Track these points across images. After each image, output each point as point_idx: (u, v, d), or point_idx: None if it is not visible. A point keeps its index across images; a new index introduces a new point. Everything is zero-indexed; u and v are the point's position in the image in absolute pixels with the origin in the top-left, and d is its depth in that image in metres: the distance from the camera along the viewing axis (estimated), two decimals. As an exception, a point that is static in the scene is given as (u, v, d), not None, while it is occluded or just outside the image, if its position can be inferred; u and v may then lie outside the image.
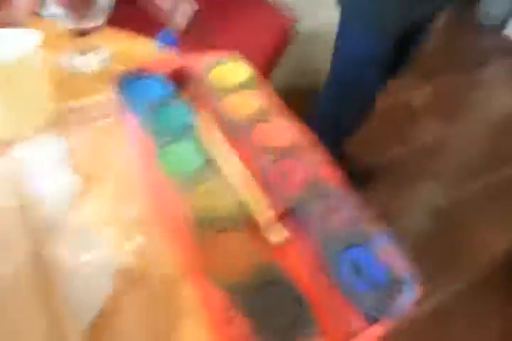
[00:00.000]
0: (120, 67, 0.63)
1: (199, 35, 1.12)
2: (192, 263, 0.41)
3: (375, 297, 0.41)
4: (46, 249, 0.42)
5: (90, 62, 0.65)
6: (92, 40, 0.65)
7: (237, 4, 1.43)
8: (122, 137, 0.51)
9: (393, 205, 1.57)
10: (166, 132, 0.50)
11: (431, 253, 1.44)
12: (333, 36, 1.78)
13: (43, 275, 0.40)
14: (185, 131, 0.51)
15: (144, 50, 0.65)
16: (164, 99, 0.54)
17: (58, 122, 0.51)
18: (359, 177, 1.51)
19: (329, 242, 0.43)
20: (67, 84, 0.61)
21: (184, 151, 0.49)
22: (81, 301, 0.40)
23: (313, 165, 0.50)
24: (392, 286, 0.41)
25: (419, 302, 0.42)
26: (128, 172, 0.48)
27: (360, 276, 0.42)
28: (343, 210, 0.46)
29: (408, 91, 2.07)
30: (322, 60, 1.89)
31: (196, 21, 1.16)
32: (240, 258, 0.42)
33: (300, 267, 0.43)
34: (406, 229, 1.50)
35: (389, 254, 0.43)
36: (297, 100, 1.88)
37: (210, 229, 0.43)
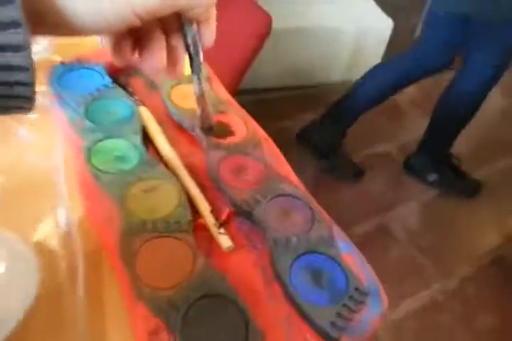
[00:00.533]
0: (58, 58, 0.57)
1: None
2: (120, 273, 0.35)
3: (335, 310, 0.35)
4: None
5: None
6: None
7: None
8: (49, 135, 0.45)
9: (385, 199, 1.56)
10: (99, 128, 0.44)
11: (422, 246, 1.42)
12: (311, 34, 1.76)
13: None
14: (120, 127, 0.45)
15: (84, 40, 0.58)
16: (101, 92, 0.48)
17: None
18: (351, 171, 1.55)
19: (282, 248, 0.38)
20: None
21: (117, 149, 0.43)
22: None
23: (266, 163, 0.45)
24: (355, 297, 0.36)
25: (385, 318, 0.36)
26: (53, 174, 0.42)
27: (317, 286, 0.36)
28: (298, 213, 0.41)
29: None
30: (302, 58, 1.85)
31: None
32: (179, 267, 0.36)
33: (249, 276, 0.38)
34: (397, 222, 1.49)
35: (350, 262, 0.38)
36: (275, 100, 1.85)
37: (146, 234, 0.37)
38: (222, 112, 0.49)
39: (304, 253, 0.38)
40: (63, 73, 0.49)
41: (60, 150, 0.43)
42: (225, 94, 0.51)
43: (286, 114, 1.80)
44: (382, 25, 1.86)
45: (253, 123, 0.49)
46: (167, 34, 0.32)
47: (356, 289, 0.36)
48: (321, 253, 0.38)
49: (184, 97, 0.50)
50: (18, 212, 0.40)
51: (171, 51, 0.32)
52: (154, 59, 0.31)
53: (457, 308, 1.29)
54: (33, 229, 0.39)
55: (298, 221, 0.40)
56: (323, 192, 1.55)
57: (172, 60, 0.32)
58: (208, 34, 0.32)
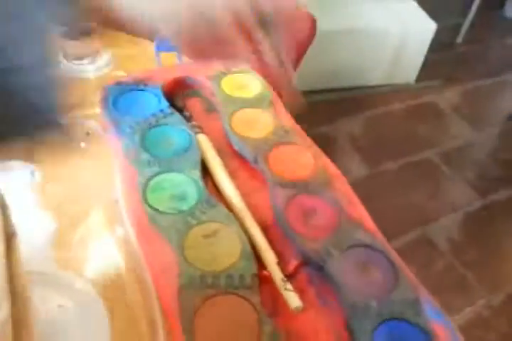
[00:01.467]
0: (121, 74, 0.54)
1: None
2: (177, 333, 0.31)
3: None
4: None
5: (87, 67, 0.56)
6: (88, 43, 0.55)
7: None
8: (106, 166, 0.41)
9: (429, 208, 1.50)
10: (155, 160, 0.40)
11: (466, 259, 1.37)
12: (352, 36, 1.70)
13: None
14: (178, 159, 0.41)
15: (146, 55, 0.55)
16: (157, 117, 0.44)
17: (29, 144, 0.41)
18: None
19: (361, 313, 0.33)
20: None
21: (174, 185, 0.39)
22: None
23: (339, 205, 0.40)
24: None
25: None
26: (109, 212, 0.38)
27: (400, 362, 0.32)
28: (376, 268, 0.36)
29: (434, 94, 1.99)
30: (343, 60, 1.80)
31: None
32: (243, 332, 0.32)
33: (320, 342, 0.33)
34: (441, 233, 1.44)
35: (439, 332, 0.33)
36: (315, 104, 1.80)
37: (206, 290, 0.33)
38: (287, 143, 0.44)
39: (386, 320, 0.33)
40: (117, 95, 0.45)
41: (118, 182, 0.39)
42: (290, 122, 0.47)
43: (325, 119, 1.75)
44: (425, 27, 1.80)
45: (323, 157, 0.44)
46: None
47: (449, 370, 0.31)
48: (405, 320, 0.33)
49: (247, 124, 0.45)
50: (79, 252, 0.37)
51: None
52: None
53: (503, 325, 1.24)
54: (100, 273, 0.35)
55: (377, 279, 0.35)
56: (364, 201, 1.49)
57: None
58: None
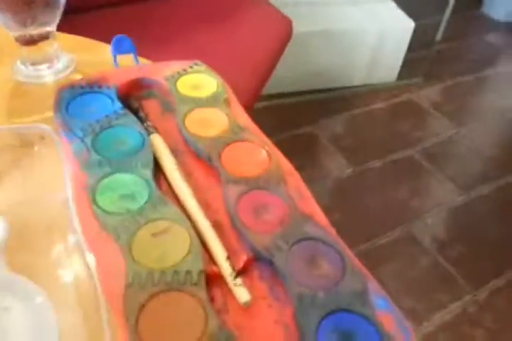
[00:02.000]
0: (79, 77, 0.54)
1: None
2: (123, 332, 0.31)
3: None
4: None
5: (45, 72, 0.56)
6: (45, 47, 0.55)
7: (235, 4, 1.36)
8: (55, 171, 0.41)
9: (412, 205, 1.52)
10: (105, 161, 0.40)
11: (451, 256, 1.39)
12: (330, 37, 1.71)
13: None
14: (129, 159, 0.41)
15: (106, 58, 0.55)
16: (110, 119, 0.44)
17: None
18: None
19: (307, 304, 0.33)
20: (18, 100, 0.52)
21: (125, 185, 0.39)
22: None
23: (290, 201, 0.40)
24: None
25: None
26: (61, 216, 0.38)
27: (347, 352, 0.32)
28: (325, 261, 0.36)
29: (415, 92, 2.01)
30: (323, 61, 1.81)
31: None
32: (189, 329, 0.32)
33: (269, 335, 0.33)
34: (425, 230, 1.45)
35: (386, 322, 0.33)
36: (297, 105, 1.81)
37: (152, 287, 0.33)
38: (241, 140, 0.45)
39: (333, 312, 0.33)
40: (71, 98, 0.45)
41: (69, 186, 0.39)
42: (244, 119, 0.47)
43: (306, 119, 1.76)
44: (403, 27, 1.82)
45: (277, 154, 0.44)
46: None
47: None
48: (352, 311, 0.33)
49: (201, 123, 0.46)
50: (30, 256, 0.36)
51: None
52: None
53: (489, 320, 1.26)
54: (49, 273, 0.35)
55: (326, 271, 0.36)
56: (348, 200, 1.50)
57: None
58: None
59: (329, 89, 1.87)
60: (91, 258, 0.35)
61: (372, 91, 1.93)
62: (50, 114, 0.47)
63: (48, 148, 0.43)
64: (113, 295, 0.33)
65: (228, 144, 0.44)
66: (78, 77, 0.52)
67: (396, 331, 0.33)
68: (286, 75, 1.73)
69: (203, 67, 0.52)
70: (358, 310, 0.33)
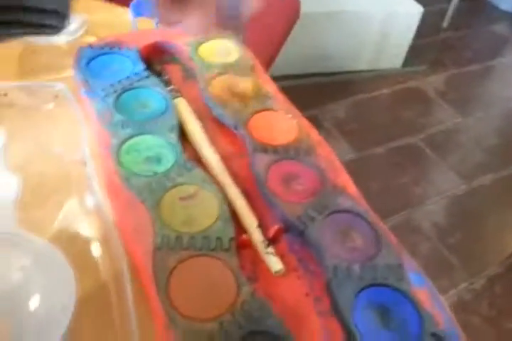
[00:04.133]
0: (92, 39, 0.51)
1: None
2: (151, 294, 0.30)
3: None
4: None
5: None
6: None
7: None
8: (74, 127, 0.39)
9: (414, 192, 1.50)
10: (129, 122, 0.38)
11: (451, 243, 1.38)
12: (337, 19, 1.68)
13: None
14: (154, 121, 0.39)
15: (120, 21, 0.53)
16: (132, 80, 0.42)
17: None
18: None
19: (342, 277, 0.32)
20: (29, 59, 0.50)
21: (150, 147, 0.37)
22: None
23: (321, 170, 0.38)
24: None
25: None
26: (76, 173, 0.36)
27: (384, 327, 0.30)
28: (359, 233, 0.35)
29: (420, 79, 1.99)
30: (329, 44, 1.79)
31: None
32: (220, 294, 0.30)
33: (301, 307, 0.32)
34: (426, 217, 1.44)
35: (423, 299, 0.32)
36: (302, 88, 1.78)
37: (181, 251, 0.31)
38: (269, 109, 0.43)
39: (368, 285, 0.32)
40: (91, 58, 0.43)
41: (87, 145, 0.37)
42: (273, 89, 0.45)
43: (311, 103, 1.74)
44: (411, 12, 1.79)
45: (305, 123, 0.42)
46: None
47: (433, 335, 0.30)
48: (388, 286, 0.32)
49: (226, 90, 0.44)
50: (44, 213, 0.35)
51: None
52: (194, 18, 0.31)
53: (485, 308, 1.25)
54: (62, 232, 0.34)
55: (360, 244, 0.34)
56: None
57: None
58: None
59: (334, 73, 1.85)
60: (114, 218, 0.34)
61: (377, 77, 1.91)
62: (63, 74, 0.45)
63: (63, 107, 0.41)
64: (140, 256, 0.31)
65: (255, 112, 0.42)
66: (91, 39, 0.50)
67: (433, 308, 0.32)
68: (291, 57, 1.70)
69: (227, 33, 0.49)
70: (395, 284, 0.32)
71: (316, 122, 1.66)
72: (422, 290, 0.32)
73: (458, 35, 2.27)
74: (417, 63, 1.99)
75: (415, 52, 1.98)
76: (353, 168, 1.61)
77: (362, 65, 1.91)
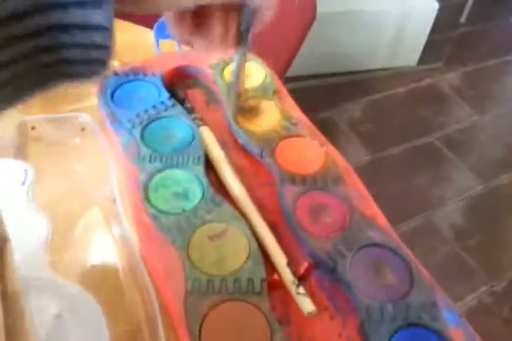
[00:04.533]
0: (118, 64, 0.51)
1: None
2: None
3: None
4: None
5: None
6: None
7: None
8: (100, 161, 0.39)
9: (432, 193, 1.48)
10: (156, 156, 0.38)
11: (470, 246, 1.35)
12: (352, 18, 1.66)
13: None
14: (180, 154, 0.38)
15: (143, 42, 0.52)
16: (158, 109, 0.41)
17: (21, 140, 0.39)
18: None
19: (376, 318, 0.31)
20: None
21: (177, 182, 0.37)
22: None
23: (350, 201, 0.38)
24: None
25: None
26: (106, 211, 0.36)
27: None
28: (390, 268, 0.34)
29: (437, 77, 1.96)
30: (344, 43, 1.77)
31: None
32: (254, 338, 0.30)
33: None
34: (444, 219, 1.42)
35: (458, 339, 0.31)
36: (316, 88, 1.77)
37: (213, 296, 0.31)
38: (295, 135, 0.42)
39: (402, 327, 0.31)
40: (116, 86, 0.43)
41: (116, 181, 0.37)
42: (297, 113, 0.44)
43: (325, 103, 1.72)
44: (427, 8, 1.76)
45: (332, 150, 0.42)
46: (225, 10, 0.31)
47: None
48: (422, 326, 0.31)
49: (251, 116, 0.43)
50: (74, 254, 0.35)
51: (226, 27, 0.32)
52: (207, 38, 0.31)
53: (506, 311, 1.23)
54: (93, 274, 0.34)
55: (392, 280, 0.34)
56: (366, 187, 1.47)
57: (224, 40, 0.33)
58: (266, 10, 0.31)
59: (350, 72, 1.83)
60: (144, 260, 0.33)
61: (392, 76, 1.89)
62: (88, 102, 0.45)
63: (90, 140, 0.41)
64: (172, 301, 0.31)
65: (281, 139, 0.42)
66: (115, 63, 0.49)
67: (467, 346, 0.31)
68: (306, 57, 1.68)
69: (251, 55, 0.49)
70: (429, 324, 0.31)
71: (330, 123, 1.65)
72: (458, 330, 0.32)
73: (476, 29, 2.23)
74: (433, 60, 1.97)
75: (432, 49, 1.95)
76: (369, 170, 1.60)
77: (377, 64, 1.89)
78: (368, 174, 1.49)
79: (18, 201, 0.35)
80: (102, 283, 0.33)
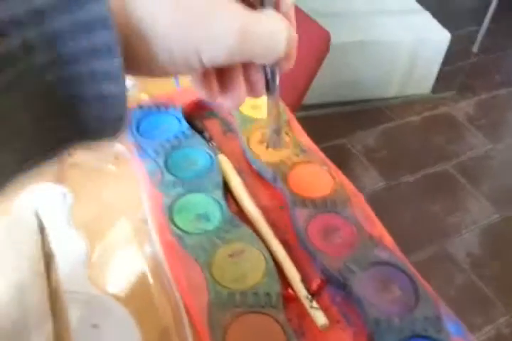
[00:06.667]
0: (145, 97, 0.55)
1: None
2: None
3: None
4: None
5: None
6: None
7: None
8: (131, 189, 0.43)
9: (447, 221, 1.48)
10: (179, 182, 0.41)
11: (486, 275, 1.35)
12: (365, 48, 1.71)
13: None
14: (201, 179, 0.42)
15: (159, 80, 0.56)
16: (179, 139, 0.45)
17: (59, 166, 0.43)
18: None
19: (384, 330, 0.34)
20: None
21: (199, 205, 0.40)
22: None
23: (357, 223, 0.41)
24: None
25: None
26: (138, 231, 0.40)
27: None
28: (397, 285, 0.37)
29: (450, 105, 1.98)
30: (358, 72, 1.81)
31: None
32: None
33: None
34: (460, 247, 1.42)
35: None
36: (331, 116, 1.81)
37: (235, 308, 0.34)
38: (305, 162, 0.45)
39: (408, 338, 0.34)
40: (140, 118, 0.47)
41: (146, 202, 0.40)
42: (306, 140, 0.48)
43: (340, 131, 1.75)
44: (439, 38, 1.80)
45: (340, 176, 0.45)
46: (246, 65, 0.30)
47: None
48: (427, 337, 0.34)
49: (264, 144, 0.47)
50: (110, 270, 0.38)
51: (250, 82, 0.31)
52: (235, 94, 0.30)
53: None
54: (127, 287, 0.37)
55: (399, 296, 0.36)
56: (381, 214, 1.49)
57: (252, 91, 0.31)
58: (286, 62, 0.30)
59: (363, 101, 1.87)
60: (172, 274, 0.37)
61: (406, 104, 1.92)
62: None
63: (123, 167, 0.45)
64: (196, 312, 0.34)
65: (293, 166, 0.45)
66: (144, 96, 0.53)
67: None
68: (320, 86, 1.73)
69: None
70: (434, 336, 0.34)
71: (345, 151, 1.68)
72: (460, 340, 0.34)
73: (487, 58, 2.26)
74: (447, 89, 2.00)
75: (445, 78, 1.98)
76: (384, 197, 1.61)
77: (391, 93, 1.92)
78: (383, 201, 1.51)
79: (59, 222, 0.38)
80: (134, 296, 0.36)
